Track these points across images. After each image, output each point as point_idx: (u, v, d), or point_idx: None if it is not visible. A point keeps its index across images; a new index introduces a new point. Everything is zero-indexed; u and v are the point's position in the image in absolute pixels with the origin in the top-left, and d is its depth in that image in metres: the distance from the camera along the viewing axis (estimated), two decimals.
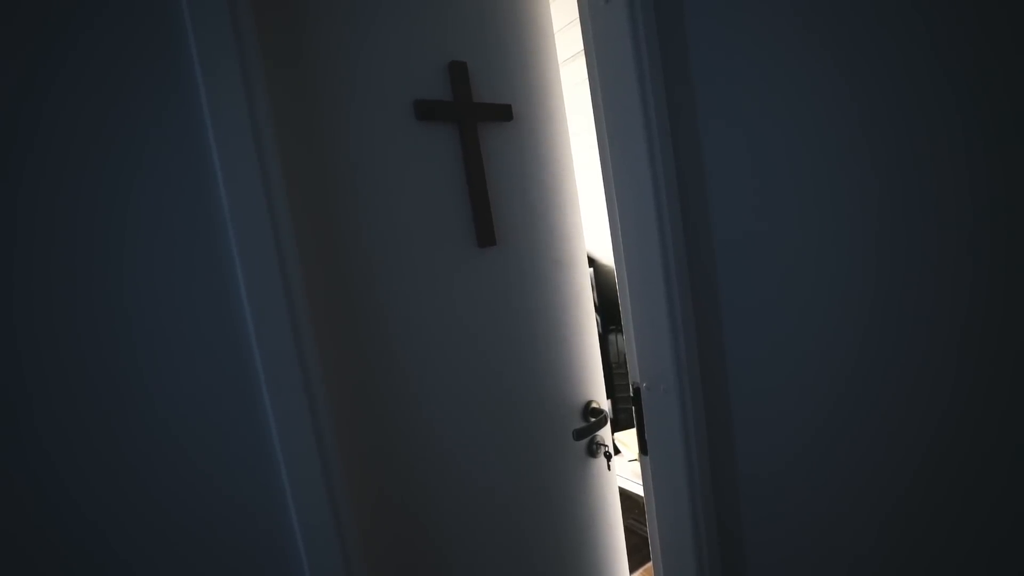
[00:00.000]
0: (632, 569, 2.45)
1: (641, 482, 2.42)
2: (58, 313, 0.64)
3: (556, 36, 1.42)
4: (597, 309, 2.90)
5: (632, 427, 2.75)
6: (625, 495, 2.61)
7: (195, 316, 0.73)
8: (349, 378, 0.99)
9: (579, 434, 1.34)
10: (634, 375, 0.99)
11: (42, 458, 0.63)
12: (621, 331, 2.83)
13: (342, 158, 0.99)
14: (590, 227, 2.92)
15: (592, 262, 2.98)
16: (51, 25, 0.63)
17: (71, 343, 0.65)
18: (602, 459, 1.47)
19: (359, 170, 1.02)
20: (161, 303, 0.70)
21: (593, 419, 1.42)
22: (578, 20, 2.75)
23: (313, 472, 0.80)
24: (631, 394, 1.01)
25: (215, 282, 0.74)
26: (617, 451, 2.61)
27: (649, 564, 2.47)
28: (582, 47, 2.60)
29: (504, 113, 1.23)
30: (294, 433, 0.78)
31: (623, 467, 2.52)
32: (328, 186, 0.97)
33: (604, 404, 1.49)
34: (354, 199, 1.01)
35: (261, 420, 0.77)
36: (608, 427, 1.47)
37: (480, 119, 1.18)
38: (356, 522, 0.87)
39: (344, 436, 0.95)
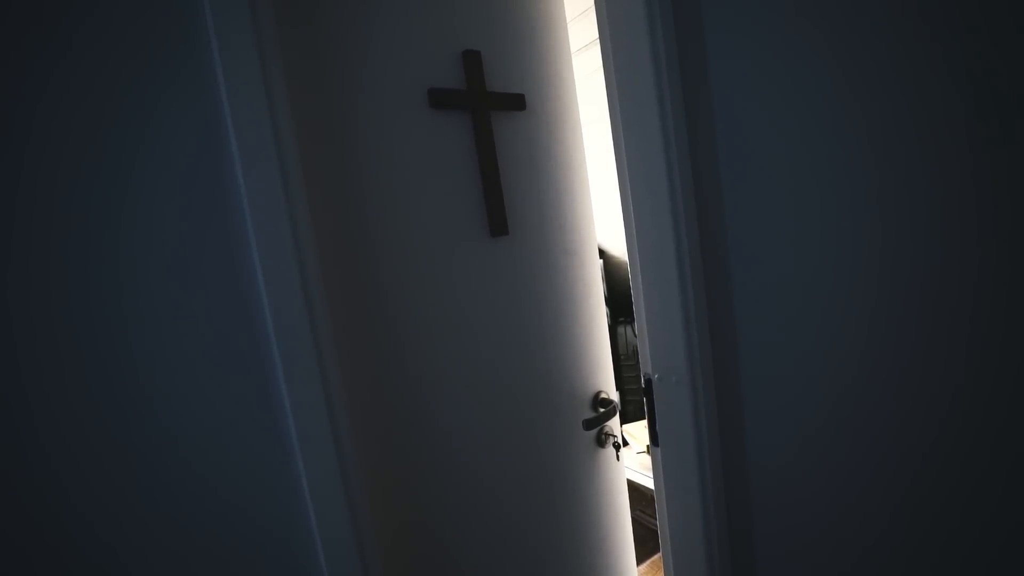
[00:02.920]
0: (640, 560, 2.46)
1: (649, 474, 2.43)
2: (62, 316, 0.63)
3: (568, 26, 1.41)
4: (606, 301, 2.90)
5: (641, 419, 2.75)
6: (633, 487, 2.61)
7: (213, 317, 0.73)
8: (361, 366, 1.00)
9: (589, 424, 1.34)
10: (646, 366, 0.99)
11: (51, 473, 0.63)
12: (630, 323, 2.82)
13: (355, 145, 0.99)
14: (600, 219, 2.91)
15: (601, 253, 2.97)
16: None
17: (82, 350, 0.65)
18: (611, 449, 1.48)
19: (372, 157, 1.02)
20: (179, 308, 0.70)
21: (603, 409, 1.42)
22: (589, 10, 2.71)
23: (330, 462, 0.81)
24: (642, 385, 1.01)
25: (236, 277, 0.74)
26: (625, 443, 2.62)
27: (656, 556, 2.48)
28: (593, 37, 2.59)
29: (517, 102, 1.22)
30: (310, 423, 0.79)
31: (631, 459, 2.53)
32: (341, 173, 0.98)
33: (613, 395, 1.49)
34: (367, 186, 1.01)
35: (278, 405, 0.78)
36: (617, 418, 1.47)
37: (493, 108, 1.18)
38: (371, 521, 0.88)
39: (357, 427, 0.96)
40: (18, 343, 0.61)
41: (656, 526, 1.23)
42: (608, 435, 1.46)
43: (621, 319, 2.89)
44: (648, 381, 0.98)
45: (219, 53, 0.71)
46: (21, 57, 0.61)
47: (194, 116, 0.71)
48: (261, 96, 0.74)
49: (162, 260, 0.69)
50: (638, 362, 1.01)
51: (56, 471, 0.63)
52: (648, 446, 1.03)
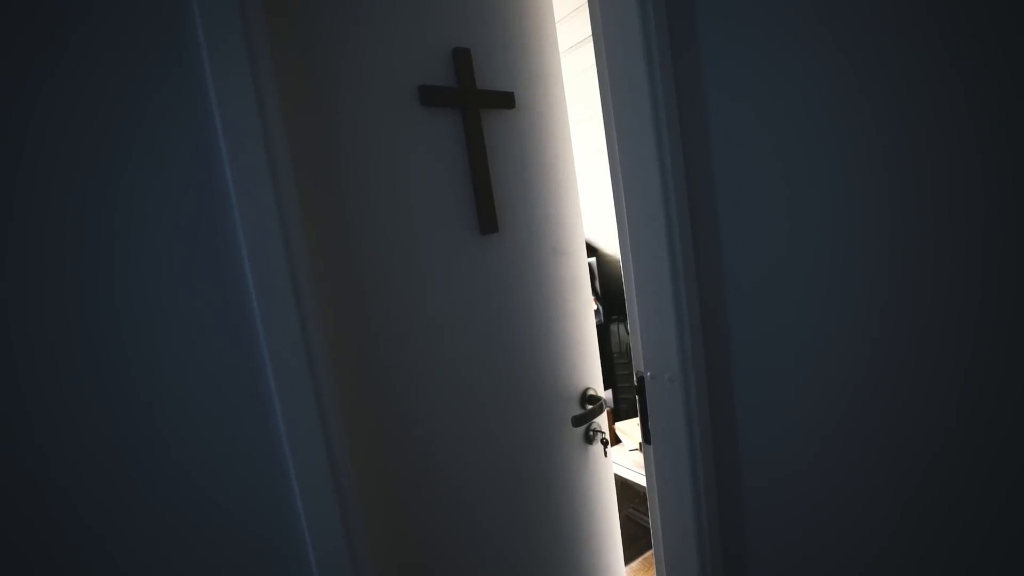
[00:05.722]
0: (632, 558, 2.47)
1: (641, 471, 2.44)
2: (57, 318, 0.62)
3: (558, 24, 1.41)
4: (599, 299, 2.90)
5: (633, 417, 2.76)
6: (626, 484, 2.62)
7: (203, 316, 0.72)
8: (349, 363, 0.99)
9: (577, 421, 1.34)
10: (638, 364, 0.99)
11: (49, 480, 0.62)
12: (623, 321, 2.83)
13: (345, 142, 0.98)
14: (592, 217, 2.92)
15: (595, 251, 2.98)
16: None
17: (74, 350, 0.63)
18: (599, 446, 1.48)
19: (363, 154, 1.01)
20: (168, 307, 0.69)
21: (591, 406, 1.42)
22: (579, 9, 2.71)
23: (320, 463, 0.80)
24: (635, 383, 1.01)
25: (223, 278, 0.73)
26: (617, 440, 2.62)
27: (648, 553, 2.49)
28: (583, 36, 2.59)
29: (507, 100, 1.22)
30: (300, 424, 0.78)
31: (623, 456, 2.53)
32: (332, 170, 0.97)
33: (601, 392, 1.50)
34: (357, 183, 1.00)
35: (266, 403, 0.77)
36: (605, 414, 1.47)
37: (483, 106, 1.17)
38: (362, 517, 0.87)
39: (345, 423, 0.95)
40: (14, 340, 0.60)
41: (648, 523, 1.23)
42: (596, 431, 1.46)
43: (614, 317, 2.89)
44: (640, 379, 0.98)
45: (208, 52, 0.70)
46: (18, 57, 0.60)
47: (183, 117, 0.70)
48: (250, 95, 0.73)
49: (156, 264, 0.68)
50: (631, 360, 1.01)
51: (55, 493, 0.62)
52: (640, 444, 1.03)
